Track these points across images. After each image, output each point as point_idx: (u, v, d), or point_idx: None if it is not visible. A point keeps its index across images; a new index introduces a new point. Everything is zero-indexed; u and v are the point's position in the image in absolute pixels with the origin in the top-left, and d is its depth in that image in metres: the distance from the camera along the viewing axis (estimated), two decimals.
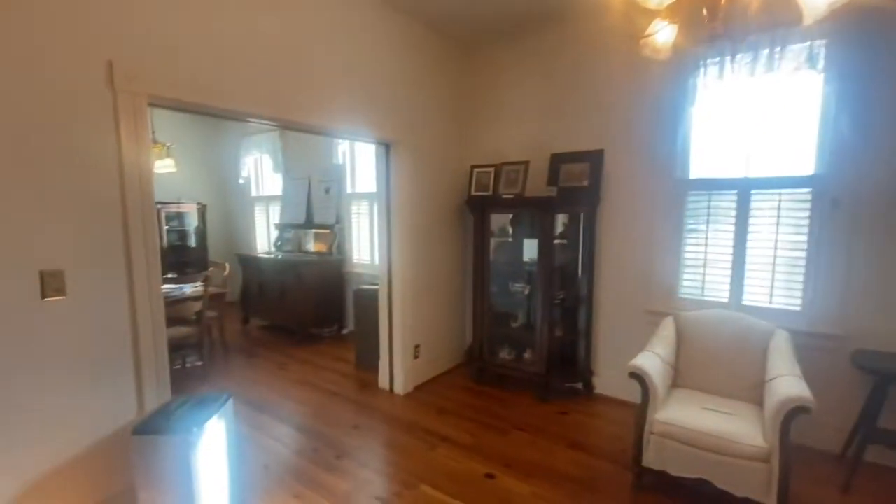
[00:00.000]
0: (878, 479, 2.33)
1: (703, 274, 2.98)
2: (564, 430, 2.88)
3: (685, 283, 3.06)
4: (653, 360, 2.31)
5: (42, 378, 1.69)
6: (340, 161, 5.07)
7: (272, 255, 5.40)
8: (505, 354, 3.55)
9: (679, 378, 2.57)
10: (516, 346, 3.54)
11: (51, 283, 1.66)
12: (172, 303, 3.58)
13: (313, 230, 5.33)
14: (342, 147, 5.04)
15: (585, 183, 3.19)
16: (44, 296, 1.66)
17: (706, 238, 2.95)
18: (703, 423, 2.08)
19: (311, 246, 5.33)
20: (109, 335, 1.86)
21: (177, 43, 1.95)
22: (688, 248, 3.03)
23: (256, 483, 2.31)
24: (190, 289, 3.97)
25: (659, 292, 3.10)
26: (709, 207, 2.92)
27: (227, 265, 4.69)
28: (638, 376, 2.21)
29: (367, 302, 3.82)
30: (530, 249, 3.43)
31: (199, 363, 3.98)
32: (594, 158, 3.21)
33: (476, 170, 3.61)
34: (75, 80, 1.68)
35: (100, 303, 1.82)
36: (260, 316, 5.39)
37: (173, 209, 5.68)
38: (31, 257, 1.63)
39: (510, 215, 3.56)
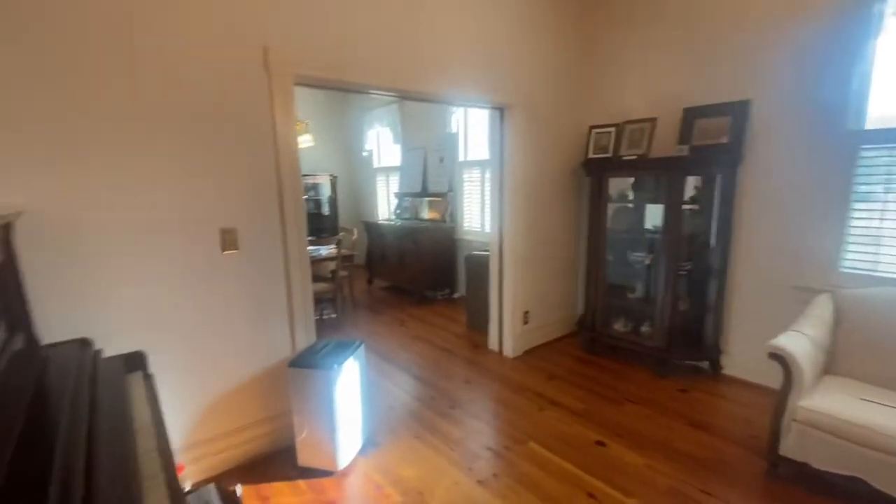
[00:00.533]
0: None
1: (878, 245, 2.49)
2: (685, 407, 2.71)
3: (849, 257, 2.59)
4: (799, 341, 2.04)
5: (230, 312, 2.11)
6: (454, 130, 5.18)
7: (392, 222, 5.81)
8: (620, 326, 3.41)
9: (833, 364, 2.24)
10: (633, 318, 3.38)
11: (228, 239, 2.05)
12: (312, 262, 4.10)
13: (428, 198, 5.59)
14: (456, 116, 5.13)
15: (724, 140, 2.83)
16: (223, 249, 2.05)
17: (883, 204, 2.44)
18: (862, 416, 1.81)
19: (426, 213, 5.61)
20: (270, 284, 2.23)
21: (316, 26, 2.17)
22: (856, 216, 2.54)
23: (382, 420, 2.63)
24: (326, 250, 4.50)
25: (811, 266, 2.68)
26: (891, 166, 2.40)
27: (356, 230, 5.19)
28: (780, 357, 1.98)
29: (478, 267, 3.95)
30: (654, 216, 3.20)
31: (333, 315, 4.54)
32: (737, 111, 2.82)
33: (595, 130, 3.43)
34: (241, 66, 1.99)
35: (262, 257, 2.19)
36: (382, 277, 5.90)
37: (310, 181, 6.40)
38: (215, 218, 2.02)
39: (631, 179, 3.33)
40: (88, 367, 1.34)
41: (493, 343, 3.66)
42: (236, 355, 2.18)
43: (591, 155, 3.42)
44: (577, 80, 3.61)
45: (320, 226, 6.36)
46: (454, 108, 5.07)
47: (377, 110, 6.25)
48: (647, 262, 3.23)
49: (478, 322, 4.03)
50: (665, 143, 3.11)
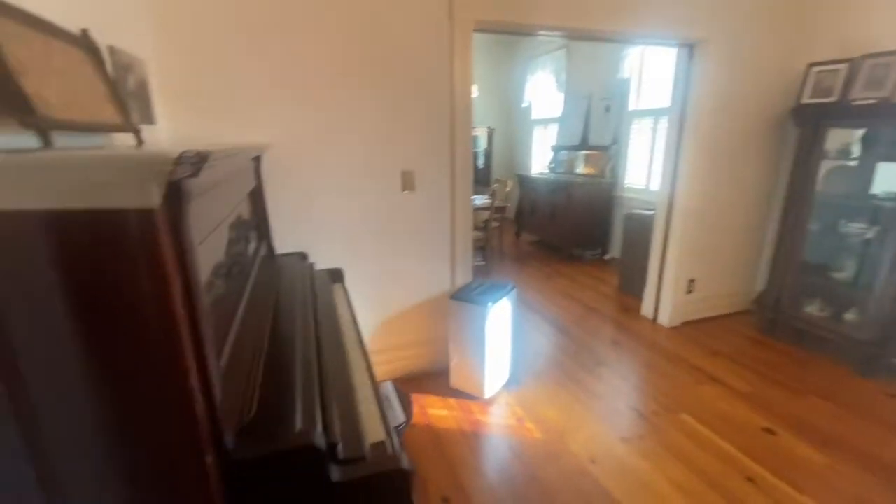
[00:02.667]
0: None
1: None
2: (893, 415, 2.23)
3: None
4: None
5: (405, 245, 2.41)
6: (626, 75, 4.72)
7: (545, 176, 5.70)
8: (814, 310, 2.87)
9: None
10: (834, 302, 2.81)
11: (407, 180, 2.29)
12: None
13: (586, 152, 5.30)
14: (630, 59, 4.65)
15: None
16: (403, 189, 2.31)
17: None
18: None
19: (582, 168, 5.35)
20: (438, 224, 2.46)
21: None
22: None
23: (527, 363, 2.75)
24: (479, 200, 4.68)
25: None
26: None
27: (510, 182, 5.25)
28: None
29: (639, 227, 3.67)
30: (887, 178, 2.53)
31: (483, 263, 4.76)
32: None
33: (815, 69, 2.78)
34: (426, 13, 2.12)
35: (434, 199, 2.40)
36: (531, 231, 5.92)
37: None
38: (397, 161, 2.27)
39: (861, 130, 2.65)
40: (308, 273, 1.70)
41: (647, 309, 3.45)
42: (407, 283, 2.48)
43: (805, 100, 2.81)
44: (798, 3, 2.92)
45: (475, 177, 6.57)
46: (628, 51, 4.59)
47: (542, 57, 6.02)
48: (869, 235, 2.60)
49: (631, 286, 3.81)
50: None
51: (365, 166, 2.21)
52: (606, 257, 5.11)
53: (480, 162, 6.76)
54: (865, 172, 2.67)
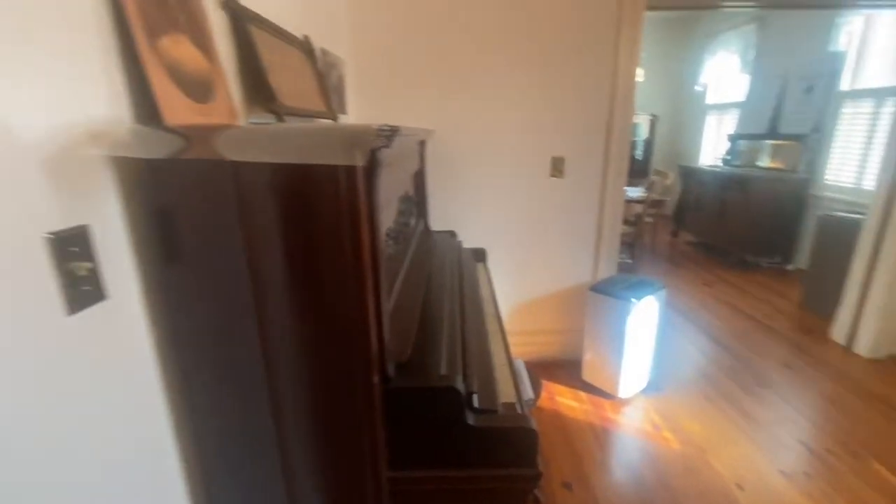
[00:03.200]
0: None
1: None
2: None
3: None
4: None
5: (548, 231, 2.43)
6: (841, 48, 3.86)
7: (717, 169, 5.02)
8: None
9: None
10: None
11: (557, 166, 2.29)
12: None
13: (774, 141, 4.50)
14: (849, 27, 3.78)
15: None
16: (551, 175, 2.32)
17: None
18: None
19: (767, 161, 4.57)
20: (585, 213, 2.41)
21: None
22: None
23: (672, 371, 2.54)
24: (634, 192, 4.37)
25: None
26: None
27: (671, 175, 4.78)
28: None
29: (838, 233, 3.03)
30: None
31: (629, 261, 4.46)
32: None
33: None
34: None
35: (582, 187, 2.36)
36: (691, 231, 5.31)
37: None
38: (548, 146, 2.28)
39: None
40: (457, 249, 1.85)
41: (838, 333, 2.85)
42: (547, 269, 2.50)
43: None
44: None
45: (631, 168, 6.13)
46: (846, 19, 3.73)
47: (726, 34, 5.26)
48: None
49: (818, 303, 3.18)
50: None
51: (515, 151, 2.28)
52: (789, 267, 4.32)
53: (639, 152, 6.26)
54: None
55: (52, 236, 0.56)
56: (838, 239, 3.00)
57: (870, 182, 3.48)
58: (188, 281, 0.76)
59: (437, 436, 0.86)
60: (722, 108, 5.59)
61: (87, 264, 0.61)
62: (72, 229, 0.59)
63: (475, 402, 0.89)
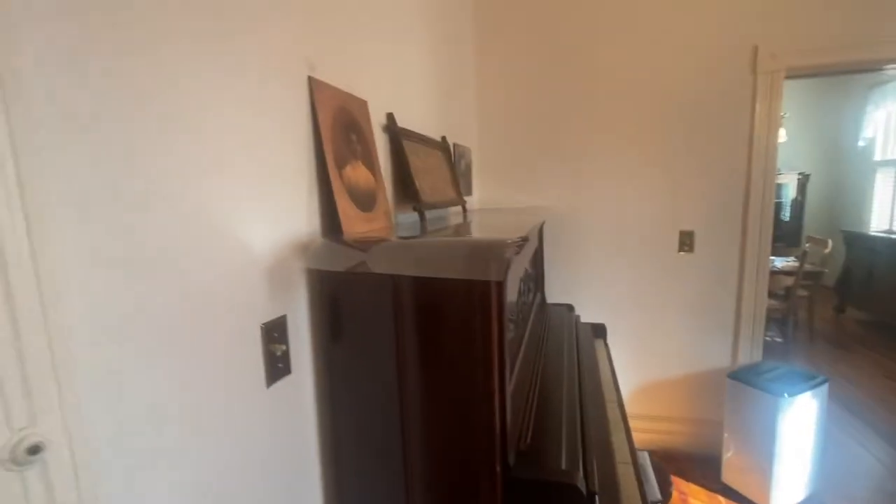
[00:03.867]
0: None
1: None
2: None
3: None
4: None
5: (676, 309, 2.27)
6: None
7: (892, 235, 4.21)
8: None
9: None
10: None
11: (685, 241, 2.18)
12: None
13: None
14: None
15: None
16: (679, 250, 2.20)
17: None
18: None
19: None
20: (720, 289, 2.21)
21: (809, 13, 1.89)
22: None
23: (839, 483, 2.09)
24: (781, 262, 3.86)
25: None
26: None
27: (830, 242, 4.14)
28: None
29: None
30: None
31: (780, 340, 3.86)
32: None
33: None
34: (726, 65, 2.02)
35: (716, 261, 2.19)
36: (861, 307, 4.43)
37: None
38: (675, 221, 2.19)
39: None
40: (574, 324, 1.84)
41: None
42: (675, 351, 2.31)
43: None
44: None
45: (777, 233, 5.43)
46: None
47: (890, 84, 4.58)
48: None
49: None
50: None
51: (638, 225, 2.23)
52: None
53: (786, 215, 5.54)
54: None
55: (264, 326, 0.75)
56: None
57: None
58: (351, 363, 0.91)
59: None
60: (895, 164, 4.76)
61: (283, 346, 0.79)
62: (276, 319, 0.78)
63: (595, 501, 0.87)
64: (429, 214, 1.32)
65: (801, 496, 1.98)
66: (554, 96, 2.22)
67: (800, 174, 5.45)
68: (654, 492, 1.50)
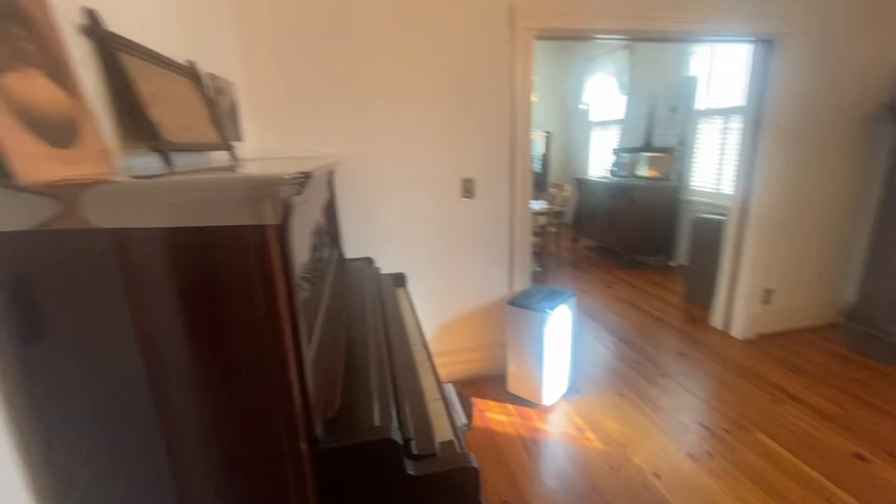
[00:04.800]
0: None
1: None
2: None
3: None
4: None
5: (464, 250, 2.47)
6: (693, 73, 4.51)
7: (605, 180, 5.54)
8: None
9: None
10: None
11: (467, 187, 2.35)
12: None
13: (649, 154, 5.09)
14: (698, 56, 4.43)
15: None
16: (463, 196, 2.36)
17: None
18: None
19: (645, 171, 5.14)
20: (497, 230, 2.49)
21: None
22: None
23: (587, 373, 2.70)
24: (537, 205, 4.64)
25: None
26: None
27: (568, 187, 5.16)
28: None
29: (708, 233, 3.49)
30: None
31: (538, 269, 4.72)
32: None
33: None
34: (487, 24, 2.17)
35: (493, 206, 2.44)
36: (589, 237, 5.77)
37: None
38: (457, 169, 2.33)
39: None
40: (376, 277, 1.79)
41: (716, 320, 3.26)
42: (466, 288, 2.53)
43: None
44: None
45: (532, 182, 6.52)
46: (695, 49, 4.38)
47: (602, 58, 5.88)
48: None
49: (699, 294, 3.62)
50: None
51: (426, 175, 2.29)
52: (672, 264, 4.88)
53: (537, 167, 6.69)
54: None
55: None
56: (709, 238, 3.46)
57: (727, 187, 4.07)
58: (58, 366, 0.62)
59: (375, 493, 0.80)
60: (604, 124, 6.21)
61: None
62: None
63: (413, 448, 0.85)
64: (180, 160, 1.02)
65: (564, 388, 2.48)
66: (326, 34, 2.02)
67: (546, 132, 6.60)
68: (461, 417, 1.62)
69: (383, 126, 2.18)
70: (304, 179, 0.63)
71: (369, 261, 2.04)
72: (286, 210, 0.61)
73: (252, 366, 0.67)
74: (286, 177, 0.58)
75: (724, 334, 3.17)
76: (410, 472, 0.80)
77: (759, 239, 2.92)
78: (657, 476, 1.87)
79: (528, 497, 1.78)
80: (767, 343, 3.01)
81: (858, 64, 2.74)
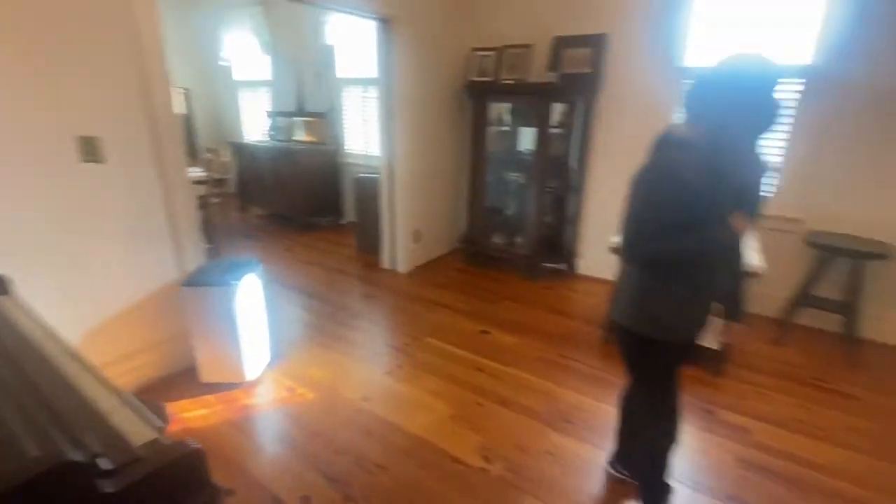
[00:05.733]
0: (804, 336, 2.82)
1: None
2: (548, 301, 3.29)
3: None
4: None
5: (101, 232, 1.90)
6: (330, 42, 4.84)
7: (266, 144, 5.37)
8: (497, 239, 3.85)
9: None
10: (508, 231, 3.84)
11: (89, 149, 1.78)
12: None
13: (304, 118, 5.25)
14: (332, 26, 4.78)
15: (588, 70, 3.21)
16: (84, 160, 1.78)
17: None
18: None
19: (303, 135, 5.29)
20: (146, 202, 2.03)
21: None
22: None
23: (287, 336, 2.69)
24: (193, 173, 4.05)
25: None
26: None
27: (224, 151, 4.71)
28: (616, 249, 2.52)
29: (367, 190, 3.99)
30: (527, 139, 3.56)
31: (209, 245, 4.20)
32: (597, 43, 3.19)
33: (478, 53, 3.56)
34: None
35: (135, 173, 1.96)
36: (259, 205, 5.53)
37: None
38: (70, 125, 1.73)
39: (509, 105, 3.61)
40: None
41: (386, 262, 3.85)
42: (114, 279, 1.99)
43: (472, 78, 3.58)
44: None
45: None
46: (328, 17, 4.70)
47: (234, 11, 5.45)
48: (521, 181, 3.64)
49: (368, 244, 4.14)
50: (540, 70, 3.41)
51: (12, 134, 1.60)
52: (343, 222, 5.33)
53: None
54: (514, 135, 3.67)
55: None
56: (369, 195, 3.96)
57: (376, 150, 4.71)
58: None
59: None
60: (253, 84, 5.90)
61: None
62: None
63: (103, 464, 0.65)
64: None
65: (268, 358, 2.39)
66: None
67: (184, 88, 5.69)
68: (156, 423, 1.33)
69: None
70: None
71: None
72: None
73: None
74: None
75: (393, 272, 3.79)
76: (110, 491, 0.62)
77: (405, 193, 3.57)
78: (366, 399, 2.12)
79: (254, 472, 1.68)
80: (422, 271, 3.81)
81: (448, 50, 3.63)
